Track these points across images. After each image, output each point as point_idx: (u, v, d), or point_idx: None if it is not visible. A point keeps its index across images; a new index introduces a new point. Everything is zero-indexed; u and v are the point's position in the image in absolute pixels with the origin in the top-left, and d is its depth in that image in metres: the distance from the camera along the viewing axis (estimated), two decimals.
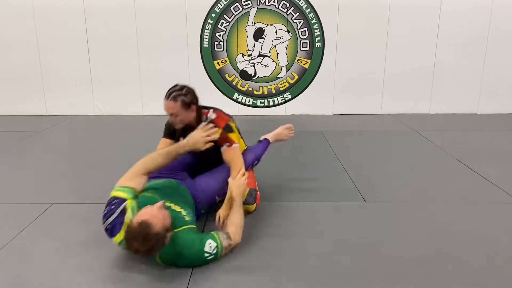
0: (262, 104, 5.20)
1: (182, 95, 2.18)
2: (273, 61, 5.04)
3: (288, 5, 4.86)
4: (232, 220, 2.03)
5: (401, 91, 5.09)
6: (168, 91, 2.22)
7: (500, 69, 5.01)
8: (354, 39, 4.93)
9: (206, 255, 1.83)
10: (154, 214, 1.71)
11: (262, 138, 2.75)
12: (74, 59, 4.98)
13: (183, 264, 1.84)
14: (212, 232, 1.92)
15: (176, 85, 2.25)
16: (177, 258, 1.81)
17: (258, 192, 2.48)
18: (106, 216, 1.85)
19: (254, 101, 5.19)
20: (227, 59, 5.03)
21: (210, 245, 1.84)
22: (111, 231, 1.84)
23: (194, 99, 2.23)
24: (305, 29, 4.93)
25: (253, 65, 5.06)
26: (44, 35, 4.91)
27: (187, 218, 1.91)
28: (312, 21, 4.91)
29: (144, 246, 1.66)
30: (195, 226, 1.93)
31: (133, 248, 1.69)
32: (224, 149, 2.29)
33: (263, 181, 2.84)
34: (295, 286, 1.76)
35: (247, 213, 2.33)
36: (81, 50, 4.95)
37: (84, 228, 2.27)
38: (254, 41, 4.98)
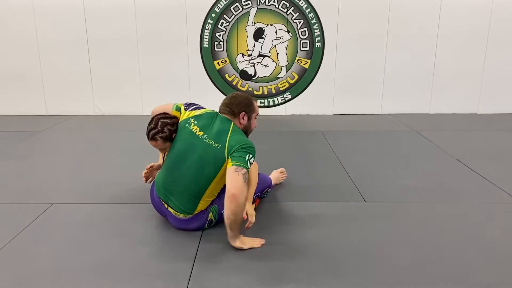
0: (262, 104, 5.20)
1: (160, 133, 2.21)
2: (273, 61, 5.04)
3: (288, 5, 4.86)
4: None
5: (401, 91, 5.10)
6: (147, 131, 2.25)
7: (500, 69, 5.01)
8: (354, 39, 4.93)
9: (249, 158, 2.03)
10: None
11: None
12: (74, 59, 4.98)
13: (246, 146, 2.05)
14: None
15: (151, 121, 2.25)
16: (240, 140, 2.06)
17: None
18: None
19: None
20: (227, 59, 5.03)
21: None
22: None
23: (172, 128, 2.23)
24: (305, 29, 4.93)
25: (253, 65, 5.06)
26: (44, 35, 4.91)
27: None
28: (312, 21, 4.91)
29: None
30: None
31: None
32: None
33: None
34: (295, 286, 1.76)
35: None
36: (81, 50, 4.95)
37: (84, 228, 2.27)
38: (254, 41, 4.98)
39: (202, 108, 2.31)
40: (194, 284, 1.77)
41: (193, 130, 2.14)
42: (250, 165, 2.03)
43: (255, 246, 2.05)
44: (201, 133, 2.12)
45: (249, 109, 2.24)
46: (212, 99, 5.06)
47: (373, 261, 1.94)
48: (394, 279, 1.80)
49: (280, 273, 1.85)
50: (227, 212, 1.94)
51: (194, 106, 2.30)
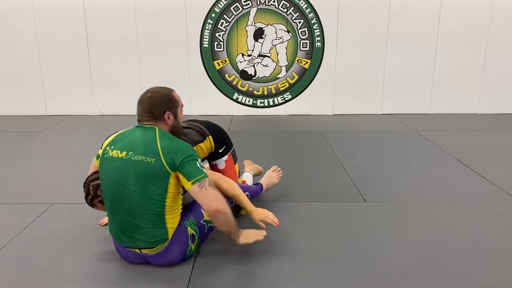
0: (262, 104, 5.20)
1: (95, 197, 2.02)
2: (273, 61, 5.04)
3: (288, 5, 4.86)
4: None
5: (401, 91, 5.10)
6: (85, 200, 2.07)
7: (500, 69, 5.01)
8: (354, 39, 4.93)
9: (199, 163, 1.81)
10: None
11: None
12: (74, 59, 4.98)
13: (179, 156, 1.78)
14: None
15: (83, 188, 2.05)
16: (175, 149, 1.80)
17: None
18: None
19: (254, 101, 5.19)
20: (227, 59, 5.03)
21: (200, 164, 1.82)
22: None
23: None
24: (305, 29, 4.93)
25: (253, 65, 5.06)
26: (44, 35, 4.92)
27: None
28: (312, 21, 4.91)
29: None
30: None
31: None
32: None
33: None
34: (294, 286, 1.76)
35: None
36: (81, 50, 4.95)
37: (84, 228, 2.27)
38: (254, 41, 4.98)
39: (114, 133, 2.02)
40: (194, 285, 1.77)
41: (113, 155, 1.83)
42: (203, 166, 1.82)
43: (259, 239, 1.96)
44: (124, 153, 1.81)
45: (172, 105, 1.94)
46: (212, 99, 5.11)
47: (373, 261, 1.94)
48: (394, 279, 1.80)
49: (280, 272, 1.85)
50: (218, 227, 1.86)
51: (106, 138, 2.02)
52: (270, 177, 2.60)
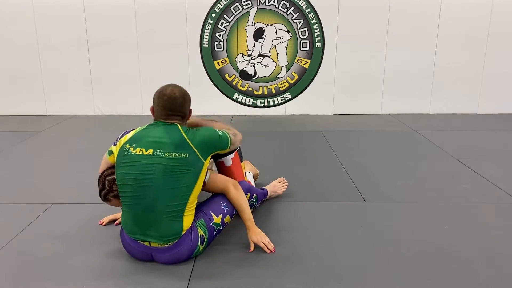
0: (262, 104, 5.20)
1: (110, 192, 2.06)
2: (273, 61, 5.04)
3: (288, 5, 4.86)
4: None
5: (401, 91, 5.10)
6: (99, 193, 2.10)
7: (500, 69, 5.01)
8: (354, 39, 4.93)
9: (220, 133, 2.03)
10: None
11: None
12: (74, 59, 4.98)
13: (201, 138, 1.94)
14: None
15: (99, 181, 2.08)
16: (197, 133, 1.95)
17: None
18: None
19: (254, 101, 5.19)
20: (227, 59, 5.03)
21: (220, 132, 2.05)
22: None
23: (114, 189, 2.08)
24: (305, 29, 4.93)
25: (253, 65, 5.06)
26: (44, 35, 4.92)
27: None
28: (312, 21, 4.91)
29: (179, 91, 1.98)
30: None
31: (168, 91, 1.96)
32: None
33: (263, 180, 2.84)
34: (294, 286, 1.76)
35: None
36: (81, 50, 4.95)
37: (84, 228, 2.27)
38: (254, 41, 4.98)
39: (130, 131, 2.03)
40: (194, 284, 1.77)
41: (137, 153, 1.87)
42: (225, 134, 2.04)
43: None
44: (150, 151, 1.86)
45: (190, 101, 2.05)
46: (212, 99, 5.11)
47: (373, 261, 1.94)
48: (393, 279, 1.80)
49: (280, 272, 1.85)
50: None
51: (121, 135, 2.03)
52: (275, 186, 2.64)
